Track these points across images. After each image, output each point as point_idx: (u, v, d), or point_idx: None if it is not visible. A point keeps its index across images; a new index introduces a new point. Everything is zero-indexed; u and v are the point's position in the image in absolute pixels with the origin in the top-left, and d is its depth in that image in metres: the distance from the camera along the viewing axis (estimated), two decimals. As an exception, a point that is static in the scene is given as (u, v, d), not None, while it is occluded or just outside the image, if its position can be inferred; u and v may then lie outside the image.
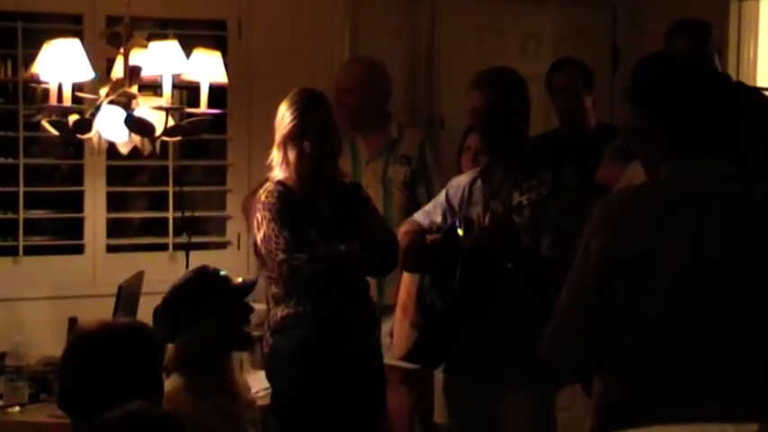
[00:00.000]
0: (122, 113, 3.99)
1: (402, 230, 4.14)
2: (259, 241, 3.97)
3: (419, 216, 4.18)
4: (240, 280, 3.63)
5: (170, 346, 3.52)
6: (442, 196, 4.11)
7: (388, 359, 4.31)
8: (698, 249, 2.67)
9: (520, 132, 3.96)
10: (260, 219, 3.97)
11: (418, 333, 3.93)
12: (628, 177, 3.76)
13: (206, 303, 3.47)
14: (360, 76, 5.27)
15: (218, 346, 3.49)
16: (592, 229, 2.79)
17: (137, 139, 4.11)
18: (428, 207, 4.19)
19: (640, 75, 2.96)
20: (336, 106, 5.16)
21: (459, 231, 3.84)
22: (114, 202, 5.47)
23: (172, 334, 3.48)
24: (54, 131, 4.03)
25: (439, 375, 4.37)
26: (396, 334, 4.14)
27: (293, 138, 3.96)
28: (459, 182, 4.09)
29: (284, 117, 3.99)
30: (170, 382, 3.31)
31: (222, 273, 3.61)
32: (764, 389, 2.62)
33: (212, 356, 3.46)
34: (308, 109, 3.98)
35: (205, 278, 3.55)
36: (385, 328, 4.38)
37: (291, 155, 3.98)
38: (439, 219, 4.07)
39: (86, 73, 3.99)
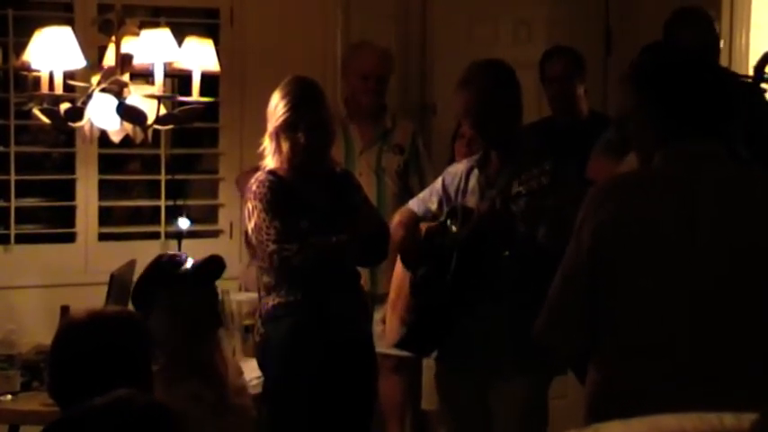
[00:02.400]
0: (114, 101, 3.98)
1: (395, 221, 4.12)
2: (250, 231, 3.97)
3: (414, 204, 4.17)
4: (190, 263, 3.61)
5: None
6: (438, 184, 4.11)
7: (381, 347, 4.31)
8: (690, 234, 2.69)
9: (514, 124, 3.95)
10: (251, 209, 3.96)
11: (413, 320, 3.93)
12: (625, 169, 3.76)
13: (158, 294, 3.50)
14: (387, 62, 5.28)
15: (180, 332, 3.49)
16: (585, 213, 2.81)
17: (128, 127, 4.10)
18: (423, 194, 4.18)
19: (639, 61, 2.97)
20: (362, 94, 5.18)
21: (453, 228, 3.84)
22: (106, 190, 5.46)
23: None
24: (45, 119, 4.02)
25: (427, 363, 4.38)
26: (388, 322, 4.14)
27: (287, 128, 3.95)
28: (456, 170, 4.08)
29: (278, 107, 3.97)
30: None
31: (178, 258, 3.63)
32: (762, 374, 2.63)
33: (179, 343, 3.46)
34: (302, 99, 3.96)
35: (156, 269, 3.59)
36: (377, 316, 4.38)
37: (285, 146, 3.96)
38: (434, 206, 4.07)
39: (78, 61, 3.98)
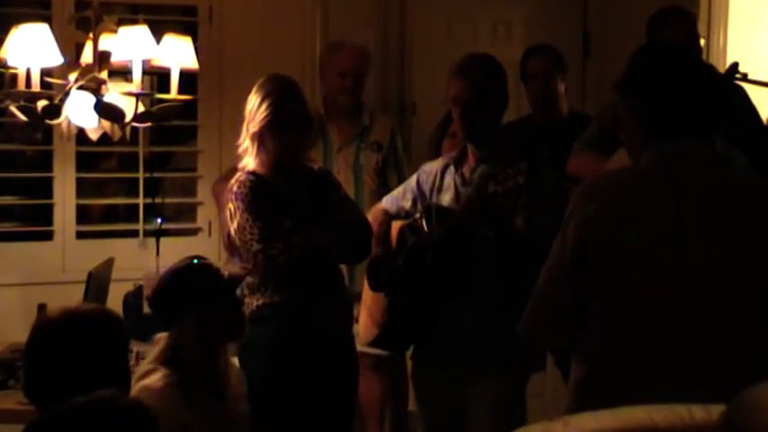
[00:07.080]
0: (92, 99, 3.95)
1: (369, 219, 4.14)
2: (233, 232, 3.95)
3: (386, 202, 4.18)
4: (227, 273, 3.61)
5: (160, 336, 3.50)
6: (413, 181, 4.11)
7: (358, 345, 4.31)
8: (674, 233, 2.70)
9: (498, 120, 3.96)
10: (233, 209, 3.94)
11: (386, 319, 3.93)
12: (614, 165, 3.78)
13: (201, 296, 3.45)
14: (365, 61, 5.27)
15: (209, 339, 3.46)
16: (572, 210, 2.82)
17: (106, 124, 4.08)
18: (397, 192, 4.18)
19: (629, 61, 2.98)
20: (339, 92, 5.17)
21: (427, 227, 3.84)
22: (83, 188, 5.44)
23: (166, 324, 3.47)
24: (23, 117, 4.00)
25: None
26: (361, 320, 4.14)
27: (272, 128, 3.92)
28: (432, 167, 4.07)
29: (260, 107, 3.94)
30: (159, 377, 3.28)
31: (215, 266, 3.61)
32: (746, 374, 2.64)
33: (203, 351, 3.43)
34: (284, 98, 3.94)
35: (200, 270, 3.53)
36: (355, 314, 4.37)
37: (271, 145, 3.94)
38: (408, 204, 4.07)
39: (55, 58, 3.95)
